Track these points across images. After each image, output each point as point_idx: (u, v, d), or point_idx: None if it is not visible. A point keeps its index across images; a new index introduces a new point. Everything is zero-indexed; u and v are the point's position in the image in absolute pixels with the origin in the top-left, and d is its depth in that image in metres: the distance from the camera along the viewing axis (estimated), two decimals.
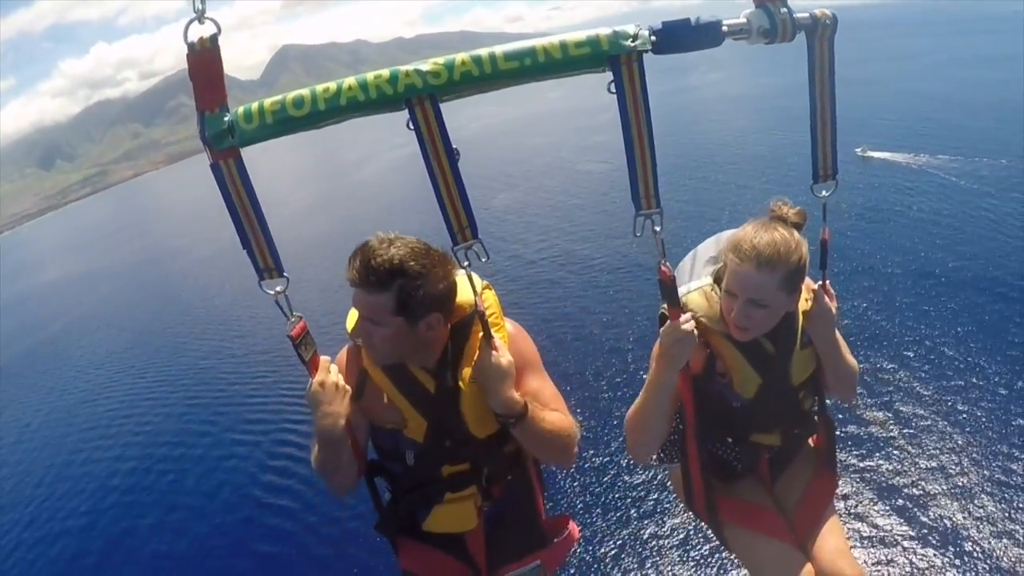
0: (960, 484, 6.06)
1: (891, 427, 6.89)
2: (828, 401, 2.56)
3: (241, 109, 1.78)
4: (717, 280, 2.33)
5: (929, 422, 6.88)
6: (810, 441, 2.69)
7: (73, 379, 15.87)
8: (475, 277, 2.04)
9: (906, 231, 11.96)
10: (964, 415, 6.88)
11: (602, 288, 11.99)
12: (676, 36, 1.80)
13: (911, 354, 8.18)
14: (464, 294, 2.18)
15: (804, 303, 2.32)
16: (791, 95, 28.77)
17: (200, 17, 1.70)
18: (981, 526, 5.62)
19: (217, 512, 8.35)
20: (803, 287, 2.24)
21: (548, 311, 11.44)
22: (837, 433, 2.67)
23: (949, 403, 7.09)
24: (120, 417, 12.48)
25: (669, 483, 2.69)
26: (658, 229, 1.89)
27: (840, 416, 6.33)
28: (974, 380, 7.36)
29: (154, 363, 15.14)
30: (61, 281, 34.48)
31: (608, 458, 7.01)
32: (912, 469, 6.31)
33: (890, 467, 6.32)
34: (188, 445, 10.27)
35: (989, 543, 5.46)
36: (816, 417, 2.56)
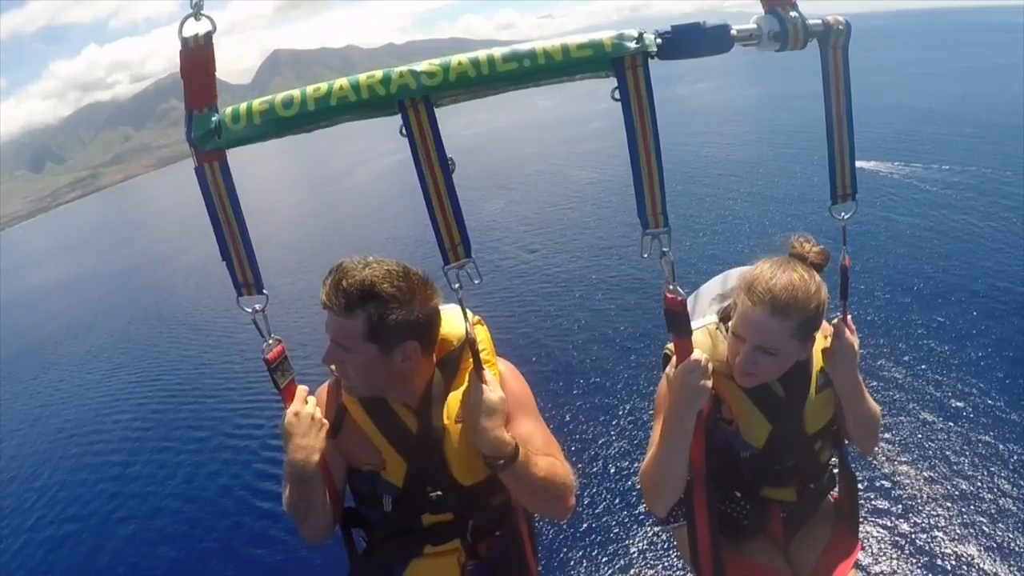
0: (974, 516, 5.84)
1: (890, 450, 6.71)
2: (849, 453, 2.38)
3: (229, 110, 1.69)
4: (724, 319, 2.18)
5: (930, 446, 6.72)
6: (830, 497, 2.48)
7: (68, 381, 15.73)
8: (468, 312, 1.88)
9: (883, 237, 11.97)
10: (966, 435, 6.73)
11: (600, 303, 11.79)
12: (683, 40, 1.71)
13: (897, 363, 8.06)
14: (452, 326, 2.05)
15: (823, 340, 2.14)
16: (779, 106, 29.06)
17: (196, 13, 1.63)
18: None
19: (213, 518, 8.25)
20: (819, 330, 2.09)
21: (537, 331, 11.21)
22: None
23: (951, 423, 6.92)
24: (117, 419, 12.36)
25: (675, 543, 2.43)
26: (666, 250, 1.74)
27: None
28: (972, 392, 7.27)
29: (149, 366, 15.03)
30: (53, 283, 34.24)
31: (608, 511, 6.61)
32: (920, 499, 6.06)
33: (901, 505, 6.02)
34: (186, 451, 10.16)
35: None
36: (836, 471, 2.38)
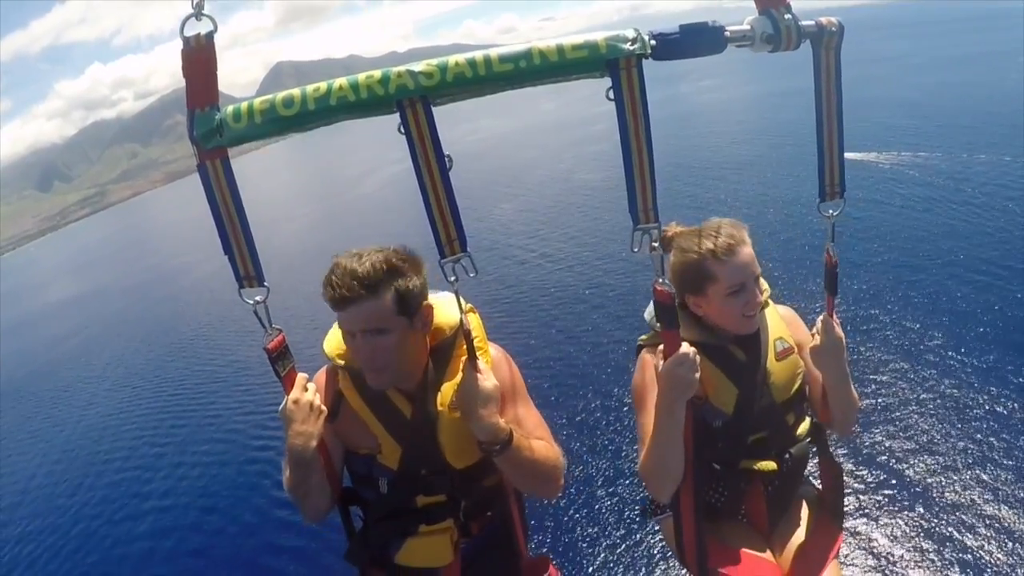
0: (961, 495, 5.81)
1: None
2: (830, 440, 2.43)
3: (230, 108, 1.73)
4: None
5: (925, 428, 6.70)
6: (815, 489, 2.53)
7: (88, 399, 15.80)
8: (461, 300, 1.94)
9: (871, 224, 12.02)
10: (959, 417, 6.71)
11: (598, 303, 11.83)
12: (676, 41, 1.73)
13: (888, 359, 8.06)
14: (445, 314, 2.12)
15: (780, 318, 2.34)
16: (774, 104, 29.07)
17: (198, 14, 1.67)
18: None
19: (234, 528, 8.30)
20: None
21: (538, 327, 11.26)
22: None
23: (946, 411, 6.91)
24: (140, 430, 12.47)
25: (660, 535, 2.42)
26: (656, 244, 1.78)
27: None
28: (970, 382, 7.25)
29: (167, 380, 15.08)
30: (67, 301, 34.41)
31: (596, 492, 6.63)
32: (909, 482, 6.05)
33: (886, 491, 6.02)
34: (204, 463, 10.21)
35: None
36: (813, 446, 2.42)
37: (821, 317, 2.15)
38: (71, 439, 13.22)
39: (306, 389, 2.01)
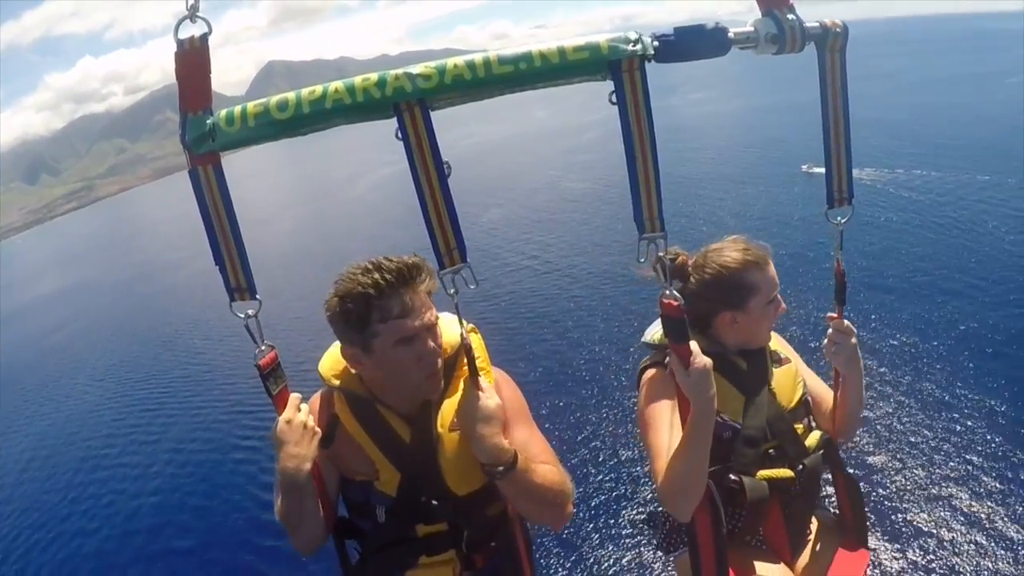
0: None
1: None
2: (842, 452, 2.39)
3: (223, 112, 1.67)
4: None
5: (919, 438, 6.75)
6: (833, 510, 2.47)
7: (77, 390, 15.73)
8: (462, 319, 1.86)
9: (854, 237, 12.22)
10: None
11: (595, 311, 11.82)
12: (680, 42, 1.67)
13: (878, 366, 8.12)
14: (446, 333, 2.03)
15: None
16: (769, 117, 29.36)
17: (192, 16, 1.61)
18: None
19: (223, 529, 8.25)
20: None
21: (533, 340, 11.25)
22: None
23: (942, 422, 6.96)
24: (133, 427, 12.40)
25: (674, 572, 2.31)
26: (662, 254, 1.69)
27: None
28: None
29: (157, 376, 15.06)
30: (55, 294, 34.37)
31: (604, 521, 6.54)
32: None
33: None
34: (195, 462, 10.16)
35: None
36: (831, 468, 2.35)
37: (831, 321, 2.17)
38: (61, 434, 13.15)
39: (299, 409, 1.92)
